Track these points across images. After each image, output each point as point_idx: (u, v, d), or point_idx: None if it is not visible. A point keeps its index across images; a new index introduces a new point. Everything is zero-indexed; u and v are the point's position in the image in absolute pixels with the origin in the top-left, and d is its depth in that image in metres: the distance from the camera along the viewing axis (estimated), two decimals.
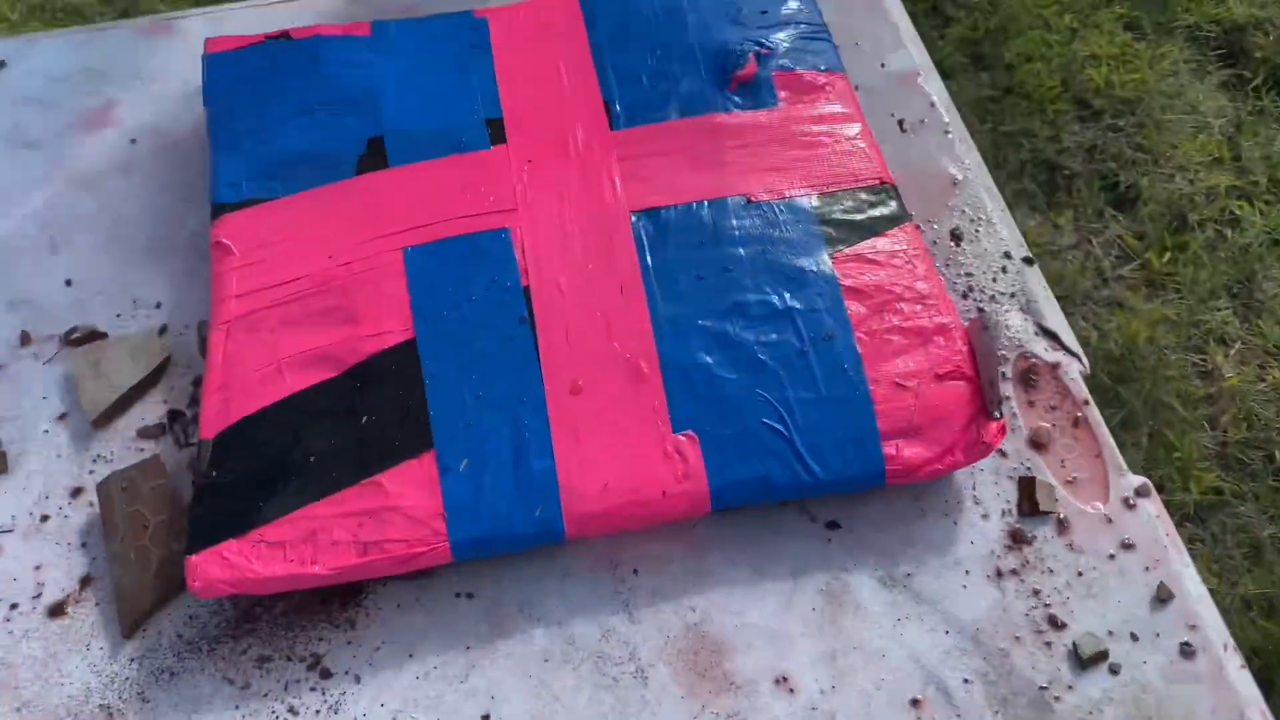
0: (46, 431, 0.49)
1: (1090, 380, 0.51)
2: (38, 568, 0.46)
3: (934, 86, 0.61)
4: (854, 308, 0.48)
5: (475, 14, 0.58)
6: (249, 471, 0.44)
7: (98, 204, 0.56)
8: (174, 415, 0.50)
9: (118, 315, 0.53)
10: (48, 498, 0.48)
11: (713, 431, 0.45)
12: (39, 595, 0.45)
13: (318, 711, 0.42)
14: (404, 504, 0.43)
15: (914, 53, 0.62)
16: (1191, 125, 1.54)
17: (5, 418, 0.50)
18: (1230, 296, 1.40)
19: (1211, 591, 0.45)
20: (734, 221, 0.50)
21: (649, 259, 0.48)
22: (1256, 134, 1.53)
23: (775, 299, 0.47)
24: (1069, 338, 0.52)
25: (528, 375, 0.45)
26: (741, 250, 0.49)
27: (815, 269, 0.48)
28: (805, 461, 0.44)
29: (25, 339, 0.52)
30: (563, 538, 0.44)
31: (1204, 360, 1.35)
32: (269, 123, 0.53)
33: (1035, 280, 0.53)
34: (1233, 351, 1.36)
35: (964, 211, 0.56)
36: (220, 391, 0.46)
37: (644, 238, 0.49)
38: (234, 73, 0.55)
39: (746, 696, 0.42)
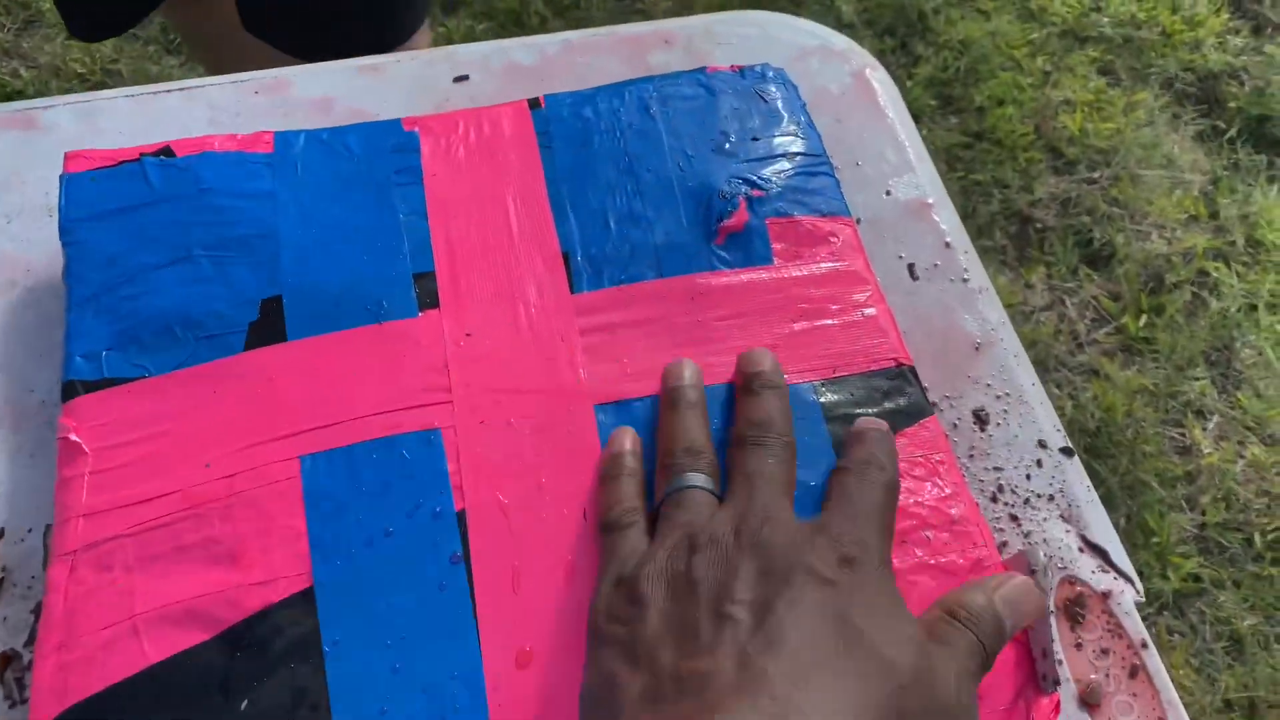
0: None
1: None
2: None
3: (948, 220, 0.52)
4: None
5: (404, 124, 0.47)
6: None
7: None
8: (6, 659, 0.39)
9: None
10: None
11: None
12: None
13: None
14: None
15: (923, 176, 0.53)
16: (1168, 180, 1.48)
17: None
18: (1208, 365, 1.34)
19: (1189, 692, 0.37)
20: (721, 416, 0.40)
21: None
22: (1234, 190, 1.47)
23: None
24: (1120, 555, 0.43)
25: (462, 640, 0.35)
26: None
27: (820, 483, 0.39)
28: None
29: None
30: None
31: (1182, 435, 1.29)
32: (139, 273, 0.42)
33: (1077, 477, 0.45)
34: (1211, 425, 1.30)
35: (989, 386, 0.47)
36: (58, 654, 0.35)
37: None
38: (99, 202, 0.44)
39: None
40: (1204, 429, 1.28)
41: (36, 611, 0.40)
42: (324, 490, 0.37)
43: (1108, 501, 1.24)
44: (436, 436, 0.39)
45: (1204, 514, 1.22)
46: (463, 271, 0.43)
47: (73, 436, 0.39)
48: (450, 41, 1.56)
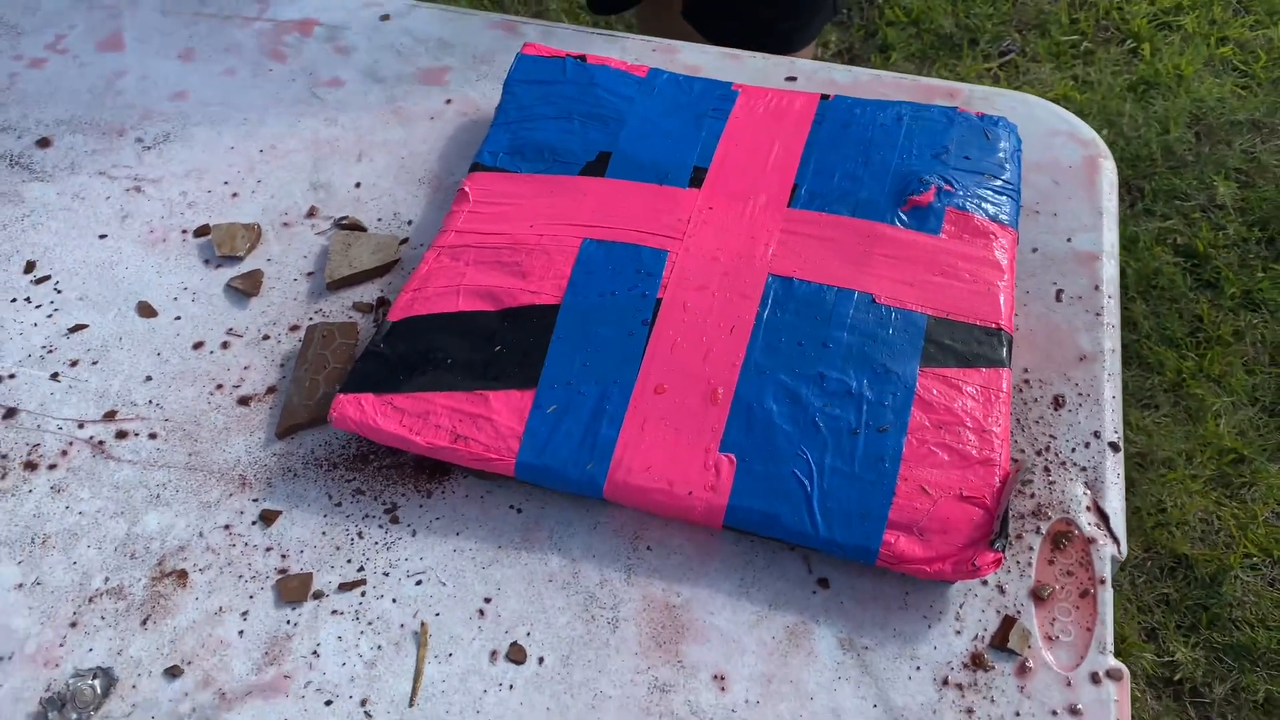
0: (295, 280, 0.65)
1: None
2: (246, 368, 0.61)
3: (1107, 273, 0.65)
4: (918, 416, 0.54)
5: (734, 86, 0.69)
6: (405, 353, 0.57)
7: (402, 136, 0.72)
8: (381, 302, 0.64)
9: (379, 219, 0.68)
10: (274, 324, 0.63)
11: (750, 463, 0.52)
12: (239, 386, 0.60)
13: (377, 543, 0.54)
14: (496, 418, 0.54)
15: (1105, 239, 0.66)
16: None
17: (275, 260, 0.66)
18: None
19: None
20: (852, 311, 0.57)
21: (765, 314, 0.57)
22: None
23: (853, 383, 0.55)
24: (1118, 524, 0.55)
25: (629, 365, 0.55)
26: (846, 335, 0.56)
27: (900, 373, 0.55)
28: (814, 515, 0.51)
29: (312, 212, 0.68)
30: (601, 495, 0.53)
31: None
32: (538, 117, 0.66)
33: (1112, 464, 0.57)
34: None
35: (1076, 385, 0.60)
36: (413, 292, 0.59)
37: (771, 296, 0.58)
38: (533, 74, 0.69)
39: (685, 677, 0.50)
40: None
41: (405, 280, 0.64)
42: (588, 259, 0.59)
43: (1241, 687, 1.21)
44: (664, 255, 0.59)
45: None
46: (724, 174, 0.63)
47: (466, 188, 0.63)
48: None
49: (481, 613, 0.52)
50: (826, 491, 0.52)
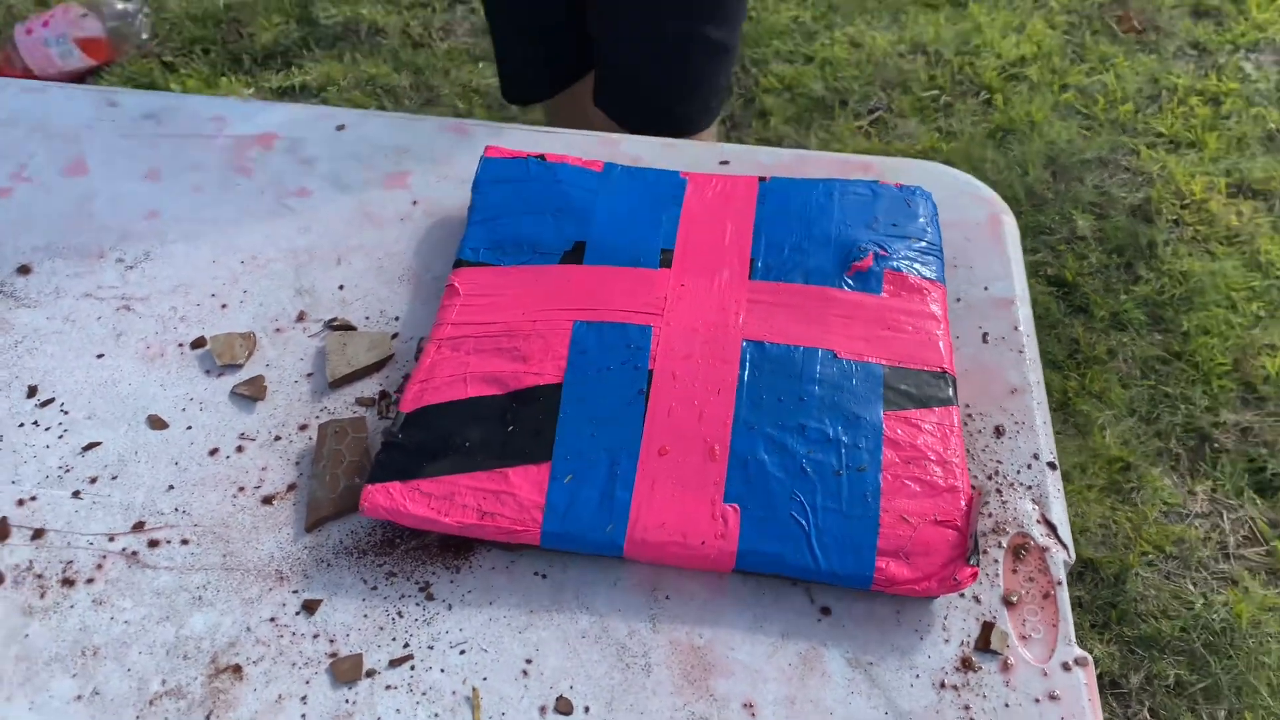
0: (296, 382, 0.69)
1: (1075, 572, 0.62)
2: (263, 469, 0.65)
3: (1023, 315, 0.74)
4: (889, 455, 0.61)
5: (681, 174, 0.76)
6: (423, 441, 0.61)
7: (377, 239, 0.77)
8: (383, 395, 0.68)
9: (367, 318, 0.72)
10: (284, 425, 0.67)
11: (752, 510, 0.59)
12: (259, 486, 0.64)
13: (417, 619, 0.58)
14: (518, 493, 0.59)
15: (1016, 285, 0.76)
16: None
17: (273, 364, 0.70)
18: None
19: None
20: (819, 367, 0.65)
21: (746, 375, 0.64)
22: None
23: (830, 430, 0.62)
24: (1064, 531, 0.63)
25: (632, 432, 0.61)
26: (817, 389, 0.64)
27: (868, 418, 0.63)
28: (814, 551, 0.58)
29: (301, 316, 0.72)
30: (621, 554, 0.59)
31: None
32: (511, 213, 0.73)
33: (1052, 481, 0.65)
34: None
35: (1012, 415, 0.69)
36: (421, 384, 0.64)
37: (748, 360, 0.65)
38: (499, 174, 0.75)
39: (719, 708, 0.56)
40: None
41: (405, 377, 0.69)
42: (582, 340, 0.65)
43: (1211, 691, 1.33)
44: (649, 330, 0.66)
45: None
46: (689, 254, 0.70)
47: (455, 284, 0.69)
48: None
49: (525, 673, 0.57)
50: (822, 529, 0.58)
